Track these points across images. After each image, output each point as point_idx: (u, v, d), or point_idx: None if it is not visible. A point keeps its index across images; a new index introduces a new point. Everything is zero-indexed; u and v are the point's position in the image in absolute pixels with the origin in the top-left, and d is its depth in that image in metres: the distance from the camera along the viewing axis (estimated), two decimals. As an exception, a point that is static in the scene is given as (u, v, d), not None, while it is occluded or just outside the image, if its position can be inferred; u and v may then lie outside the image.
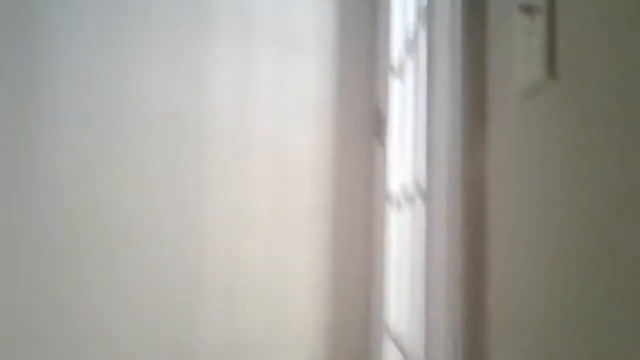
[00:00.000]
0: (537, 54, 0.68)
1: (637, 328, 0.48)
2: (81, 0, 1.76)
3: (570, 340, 0.59)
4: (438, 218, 1.04)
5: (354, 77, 1.87)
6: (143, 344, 1.68)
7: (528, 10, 0.72)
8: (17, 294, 1.65)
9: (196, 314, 1.72)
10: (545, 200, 0.66)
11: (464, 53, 0.89)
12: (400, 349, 1.43)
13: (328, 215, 1.81)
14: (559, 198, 0.63)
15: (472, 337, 0.89)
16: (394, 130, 1.67)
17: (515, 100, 0.76)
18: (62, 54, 1.73)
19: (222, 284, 1.74)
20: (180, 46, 1.79)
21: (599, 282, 0.54)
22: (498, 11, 0.84)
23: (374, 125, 1.82)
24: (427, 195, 1.13)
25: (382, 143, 1.77)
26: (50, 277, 1.66)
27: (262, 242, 1.77)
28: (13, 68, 1.71)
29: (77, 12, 1.75)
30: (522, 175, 0.73)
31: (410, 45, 1.48)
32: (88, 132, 1.72)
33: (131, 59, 1.76)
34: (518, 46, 0.74)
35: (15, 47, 1.72)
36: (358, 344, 1.78)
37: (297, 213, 1.80)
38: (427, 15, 1.11)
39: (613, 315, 0.52)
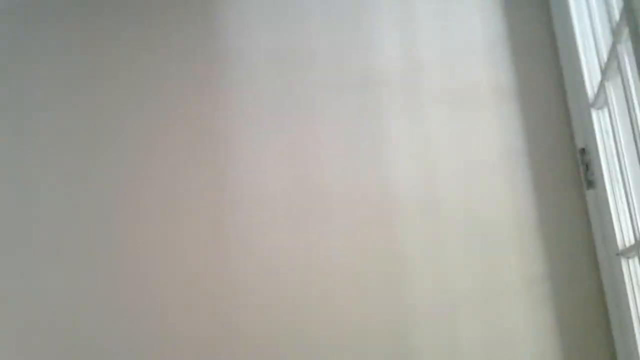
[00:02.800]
0: None
1: None
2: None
3: None
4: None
5: (544, 121, 1.68)
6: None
7: None
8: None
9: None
10: None
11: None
12: None
13: (545, 280, 1.58)
14: None
15: None
16: (606, 170, 1.44)
17: None
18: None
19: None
20: (351, 120, 1.75)
21: None
22: None
23: (582, 168, 1.60)
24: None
25: (595, 187, 1.53)
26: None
27: (476, 325, 1.58)
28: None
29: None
30: None
31: (607, 69, 1.27)
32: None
33: (307, 147, 1.75)
34: None
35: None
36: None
37: (507, 284, 1.59)
38: (630, 23, 0.93)
39: None
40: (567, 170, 1.64)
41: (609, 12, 1.18)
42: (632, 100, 1.11)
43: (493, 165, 1.67)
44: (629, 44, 1.09)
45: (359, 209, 1.68)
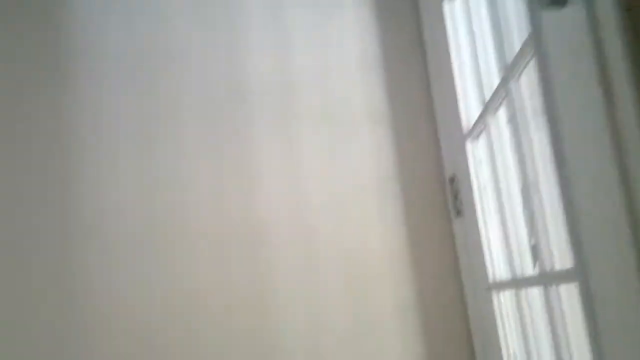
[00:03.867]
0: None
1: None
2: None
3: None
4: (608, 303, 0.81)
5: (414, 148, 1.66)
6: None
7: None
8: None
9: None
10: None
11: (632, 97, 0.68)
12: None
13: (415, 311, 1.55)
14: None
15: None
16: (478, 200, 1.44)
17: None
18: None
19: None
20: (222, 151, 1.60)
21: None
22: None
23: (450, 197, 1.60)
24: (579, 274, 0.89)
25: (462, 215, 1.53)
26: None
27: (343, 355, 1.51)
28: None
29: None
30: None
31: (492, 102, 1.27)
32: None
33: (168, 166, 1.57)
34: None
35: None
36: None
37: (378, 315, 1.54)
38: (538, 59, 0.91)
39: None
40: (436, 199, 1.63)
41: (498, 46, 1.18)
42: (519, 134, 1.10)
43: (364, 193, 1.62)
44: (522, 80, 1.09)
45: (225, 239, 1.54)
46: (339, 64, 1.69)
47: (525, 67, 1.08)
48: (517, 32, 1.10)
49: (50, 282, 1.47)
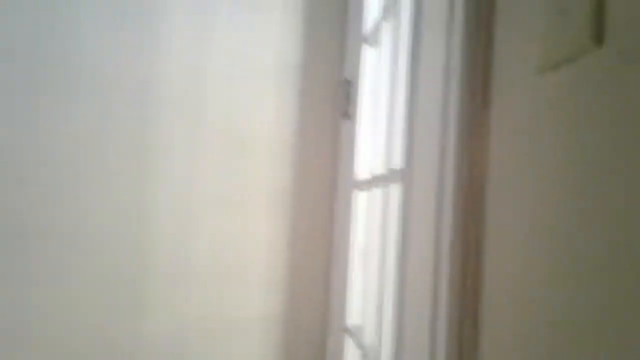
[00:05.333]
0: (575, 14, 0.53)
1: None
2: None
3: (567, 345, 0.45)
4: (421, 202, 0.90)
5: (321, 44, 1.69)
6: (85, 336, 1.50)
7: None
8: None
9: (142, 303, 1.54)
10: (569, 191, 0.51)
11: (465, 8, 0.73)
12: (360, 346, 1.30)
13: (286, 196, 1.64)
14: (588, 191, 0.48)
15: (457, 336, 0.74)
16: (365, 104, 1.51)
17: (534, 72, 0.60)
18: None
19: (169, 271, 1.56)
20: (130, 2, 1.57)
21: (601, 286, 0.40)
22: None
23: (342, 98, 1.66)
24: (405, 177, 0.98)
25: (350, 118, 1.60)
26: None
27: (213, 224, 1.59)
28: None
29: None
30: (535, 159, 0.58)
31: (389, 9, 1.31)
32: (21, 93, 1.50)
33: (66, 10, 1.54)
34: (541, 5, 0.58)
35: None
36: (315, 338, 1.63)
37: (252, 193, 1.62)
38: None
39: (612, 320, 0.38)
40: (330, 98, 1.69)
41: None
42: (403, 42, 1.16)
43: (265, 75, 1.65)
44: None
45: (119, 94, 1.54)
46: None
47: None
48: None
49: None
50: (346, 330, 1.45)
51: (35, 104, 1.51)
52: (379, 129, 1.37)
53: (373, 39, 1.47)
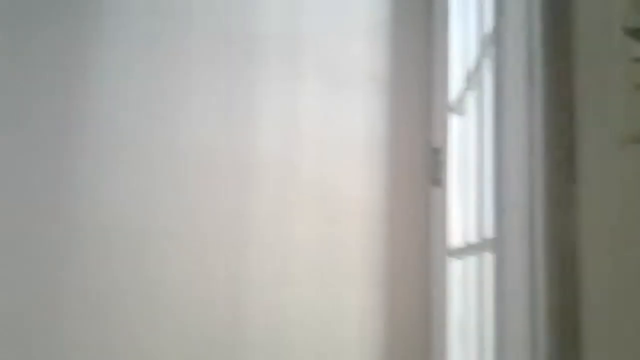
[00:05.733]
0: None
1: None
2: (129, 39, 1.68)
3: None
4: (515, 273, 0.88)
5: (407, 115, 1.73)
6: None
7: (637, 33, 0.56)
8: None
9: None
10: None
11: (544, 84, 0.74)
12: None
13: (379, 265, 1.64)
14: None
15: None
16: (455, 172, 1.51)
17: (617, 145, 0.59)
18: (104, 89, 1.65)
19: (265, 333, 1.58)
20: (225, 81, 1.68)
21: None
22: (590, 34, 0.69)
23: (431, 167, 1.67)
24: (497, 246, 0.97)
25: (440, 185, 1.60)
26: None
27: (306, 294, 1.61)
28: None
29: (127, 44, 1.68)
30: (626, 229, 0.57)
31: (472, 78, 1.32)
32: (131, 167, 1.62)
33: (176, 94, 1.66)
34: (623, 76, 0.58)
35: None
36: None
37: (345, 263, 1.64)
38: (494, 41, 0.97)
39: None
40: (419, 166, 1.70)
41: (479, 25, 1.22)
42: (484, 112, 1.16)
43: (352, 146, 1.69)
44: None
45: (220, 165, 1.64)
46: (346, 25, 1.75)
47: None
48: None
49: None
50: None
51: (151, 182, 1.62)
52: (469, 196, 1.36)
53: (459, 108, 1.49)
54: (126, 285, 1.57)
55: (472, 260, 1.29)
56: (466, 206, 1.38)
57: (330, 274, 1.63)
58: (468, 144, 1.39)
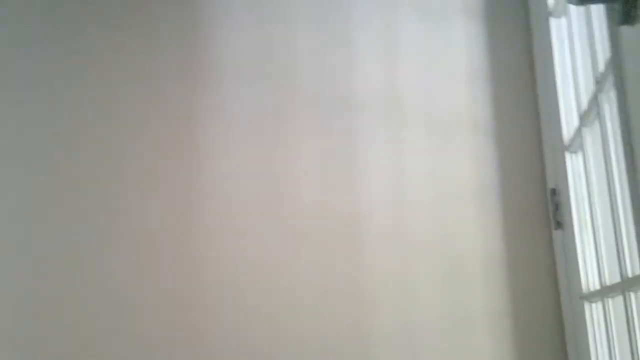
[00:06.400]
0: None
1: None
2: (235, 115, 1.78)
3: None
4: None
5: (518, 158, 1.70)
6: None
7: None
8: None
9: None
10: None
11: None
12: None
13: (508, 316, 1.59)
14: None
15: None
16: (579, 212, 1.46)
17: None
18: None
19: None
20: (328, 139, 1.74)
21: None
22: None
23: (551, 208, 1.62)
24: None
25: (563, 228, 1.55)
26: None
27: (434, 350, 1.58)
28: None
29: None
30: None
31: (587, 115, 1.30)
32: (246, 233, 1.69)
33: (283, 160, 1.73)
34: None
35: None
36: None
37: (471, 316, 1.60)
38: (614, 74, 0.95)
39: None
40: (536, 210, 1.66)
41: (592, 61, 1.21)
42: (609, 148, 1.13)
43: (464, 198, 1.68)
44: (611, 94, 1.12)
45: (328, 229, 1.67)
46: (446, 76, 1.77)
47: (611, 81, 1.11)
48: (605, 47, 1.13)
49: (174, 251, 1.68)
50: None
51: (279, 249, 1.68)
52: (598, 236, 1.30)
53: (573, 146, 1.45)
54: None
55: (612, 302, 1.23)
56: (597, 246, 1.32)
57: (456, 329, 1.59)
58: (589, 182, 1.35)
